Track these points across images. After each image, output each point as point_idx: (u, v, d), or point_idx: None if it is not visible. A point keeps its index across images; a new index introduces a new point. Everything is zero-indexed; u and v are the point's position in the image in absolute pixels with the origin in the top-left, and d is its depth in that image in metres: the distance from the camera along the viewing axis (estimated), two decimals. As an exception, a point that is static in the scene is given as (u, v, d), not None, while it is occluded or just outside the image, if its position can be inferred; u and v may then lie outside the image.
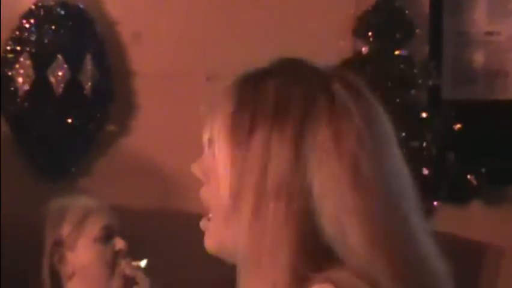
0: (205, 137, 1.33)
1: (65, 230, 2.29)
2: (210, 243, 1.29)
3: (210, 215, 1.31)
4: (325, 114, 1.25)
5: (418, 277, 1.25)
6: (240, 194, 1.25)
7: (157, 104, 2.65)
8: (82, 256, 2.34)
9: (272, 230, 1.25)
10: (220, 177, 1.28)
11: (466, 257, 2.68)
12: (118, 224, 2.32)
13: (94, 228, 2.24)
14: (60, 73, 2.35)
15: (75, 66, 2.39)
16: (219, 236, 1.30)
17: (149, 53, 2.62)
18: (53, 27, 2.41)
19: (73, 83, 2.41)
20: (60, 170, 2.48)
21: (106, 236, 2.23)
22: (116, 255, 2.25)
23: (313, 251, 1.26)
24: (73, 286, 2.36)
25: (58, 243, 2.29)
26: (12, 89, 2.42)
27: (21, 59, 2.37)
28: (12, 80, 2.43)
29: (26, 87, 2.39)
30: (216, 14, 2.75)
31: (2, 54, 2.42)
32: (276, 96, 1.25)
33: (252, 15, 2.75)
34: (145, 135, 2.64)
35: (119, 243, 2.30)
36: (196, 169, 1.32)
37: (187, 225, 2.58)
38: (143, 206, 2.65)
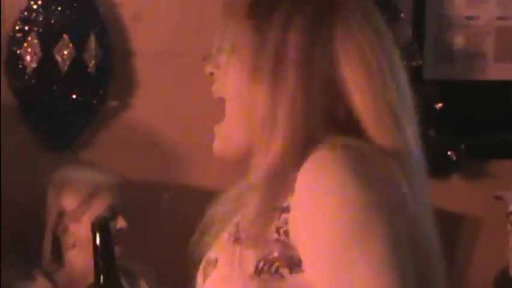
0: (216, 40, 1.38)
1: (72, 203, 2.41)
2: (219, 145, 1.35)
3: (223, 122, 1.36)
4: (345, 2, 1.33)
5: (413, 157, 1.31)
6: (259, 64, 1.30)
7: (156, 81, 2.73)
8: (84, 229, 2.42)
9: (291, 93, 1.30)
10: (239, 58, 1.33)
11: (445, 227, 2.77)
12: (121, 201, 2.44)
13: (100, 206, 2.36)
14: (65, 52, 2.49)
15: (79, 45, 2.50)
16: (228, 136, 1.36)
17: (148, 33, 2.71)
18: (59, 8, 2.52)
19: (77, 61, 2.52)
20: (64, 142, 2.59)
21: (110, 215, 2.34)
22: (117, 232, 2.39)
23: (330, 118, 1.31)
24: (73, 256, 2.49)
25: (62, 215, 2.41)
26: (20, 66, 2.54)
27: (29, 38, 2.49)
28: (20, 58, 2.55)
29: (34, 64, 2.52)
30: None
31: (11, 34, 2.52)
32: None
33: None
34: (144, 110, 2.73)
35: (121, 223, 2.43)
36: (208, 66, 1.36)
37: (185, 197, 2.66)
38: (142, 177, 2.74)
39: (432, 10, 2.89)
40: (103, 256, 1.61)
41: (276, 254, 1.34)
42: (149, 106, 2.72)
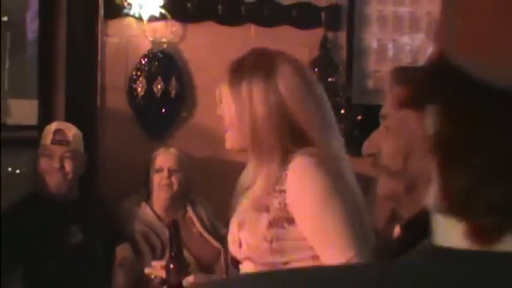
0: (219, 97, 2.09)
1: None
2: (229, 145, 2.12)
3: (228, 131, 2.08)
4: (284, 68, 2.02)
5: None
6: (241, 116, 2.01)
7: (209, 103, 3.47)
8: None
9: (266, 127, 1.99)
10: (229, 109, 2.04)
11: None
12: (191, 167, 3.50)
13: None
14: (159, 86, 3.77)
15: (167, 82, 3.78)
16: (234, 141, 2.10)
17: (202, 76, 3.86)
18: (156, 62, 3.79)
19: (165, 91, 3.79)
20: (159, 136, 3.79)
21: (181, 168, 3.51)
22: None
23: (295, 136, 1.95)
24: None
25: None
26: (134, 93, 3.79)
27: (140, 78, 3.75)
28: (135, 89, 3.78)
29: (142, 93, 3.77)
30: None
31: (130, 76, 3.75)
32: (252, 65, 2.01)
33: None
34: (203, 118, 3.79)
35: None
36: (219, 111, 2.09)
37: (227, 169, 3.42)
38: (202, 156, 3.76)
39: (358, 66, 3.91)
40: (176, 243, 2.38)
41: (280, 215, 2.03)
42: (206, 116, 3.81)
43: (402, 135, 1.59)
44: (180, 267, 2.39)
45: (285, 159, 2.07)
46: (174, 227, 2.42)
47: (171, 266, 2.37)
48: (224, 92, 2.15)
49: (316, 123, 2.09)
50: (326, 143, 2.09)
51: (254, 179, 2.18)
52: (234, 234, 2.20)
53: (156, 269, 2.45)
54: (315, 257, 2.09)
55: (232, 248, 2.21)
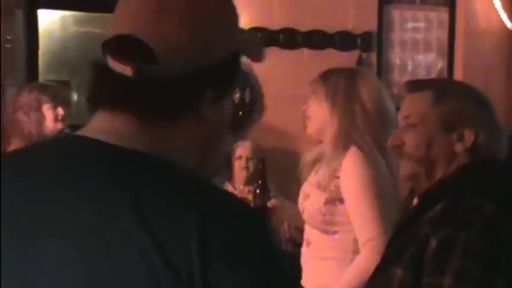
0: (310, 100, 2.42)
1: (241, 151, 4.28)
2: (309, 131, 2.50)
3: (310, 124, 2.39)
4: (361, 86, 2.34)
5: None
6: (326, 116, 2.37)
7: (273, 105, 3.96)
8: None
9: (344, 126, 2.29)
10: (316, 110, 2.40)
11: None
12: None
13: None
14: (237, 95, 4.45)
15: (243, 92, 4.51)
16: (313, 131, 2.46)
17: (269, 84, 4.37)
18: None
19: (242, 99, 4.32)
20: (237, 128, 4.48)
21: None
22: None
23: (356, 135, 2.34)
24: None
25: (240, 158, 4.25)
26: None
27: None
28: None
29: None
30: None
31: None
32: (337, 78, 2.40)
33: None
34: (269, 117, 3.82)
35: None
36: (306, 111, 2.38)
37: (291, 153, 4.11)
38: (268, 144, 4.17)
39: (386, 77, 4.89)
40: (262, 175, 2.66)
41: (334, 196, 2.39)
42: (272, 117, 3.55)
43: (424, 130, 1.77)
44: (264, 193, 2.66)
45: (344, 152, 2.41)
46: (262, 163, 2.84)
47: (257, 191, 2.69)
48: (313, 97, 2.50)
49: (374, 126, 2.37)
50: (374, 141, 2.37)
51: (319, 162, 2.46)
52: (301, 202, 2.54)
53: (243, 192, 3.04)
54: None
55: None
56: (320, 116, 2.48)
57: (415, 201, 1.81)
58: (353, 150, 2.37)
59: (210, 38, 1.05)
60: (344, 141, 2.37)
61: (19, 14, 4.37)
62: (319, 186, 2.46)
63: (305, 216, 2.52)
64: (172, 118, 1.05)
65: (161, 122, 1.04)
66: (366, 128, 2.38)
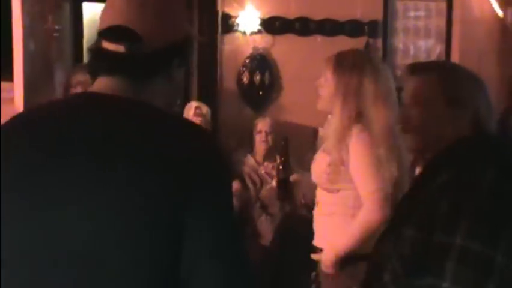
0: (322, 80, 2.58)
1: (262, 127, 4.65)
2: (320, 106, 2.67)
3: (322, 98, 2.57)
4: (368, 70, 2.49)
5: None
6: (339, 92, 2.52)
7: (290, 90, 4.97)
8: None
9: (353, 104, 2.50)
10: (328, 85, 2.55)
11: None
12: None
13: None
14: (257, 77, 5.02)
15: (263, 74, 5.03)
16: (325, 105, 2.62)
17: (289, 74, 5.04)
18: (255, 62, 5.04)
19: (261, 80, 5.05)
20: (258, 109, 5.07)
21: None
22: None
23: (363, 111, 2.57)
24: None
25: (260, 132, 4.63)
26: (241, 82, 5.01)
27: (245, 72, 4.99)
28: (241, 79, 5.02)
29: (246, 81, 5.02)
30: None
31: (239, 70, 4.94)
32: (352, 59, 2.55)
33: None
34: (285, 96, 4.93)
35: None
36: (318, 90, 2.59)
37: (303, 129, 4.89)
38: (283, 122, 4.74)
39: (390, 60, 5.19)
40: (285, 152, 3.06)
41: (337, 158, 2.59)
42: (289, 97, 5.00)
43: (430, 106, 1.79)
44: (287, 168, 2.96)
45: (351, 125, 2.56)
46: (285, 141, 3.11)
47: (280, 167, 2.99)
48: (327, 74, 2.58)
49: (381, 105, 2.49)
50: (379, 119, 2.50)
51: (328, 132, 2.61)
52: (312, 166, 2.72)
53: (267, 167, 3.39)
54: (356, 188, 2.56)
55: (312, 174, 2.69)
56: (327, 90, 2.63)
57: (418, 169, 1.93)
58: (358, 127, 2.57)
59: (175, 23, 1.39)
60: (349, 113, 2.54)
61: (66, 6, 4.78)
62: (325, 151, 2.67)
63: (313, 177, 2.71)
64: (151, 77, 1.37)
65: (144, 80, 1.36)
66: (370, 102, 2.53)
